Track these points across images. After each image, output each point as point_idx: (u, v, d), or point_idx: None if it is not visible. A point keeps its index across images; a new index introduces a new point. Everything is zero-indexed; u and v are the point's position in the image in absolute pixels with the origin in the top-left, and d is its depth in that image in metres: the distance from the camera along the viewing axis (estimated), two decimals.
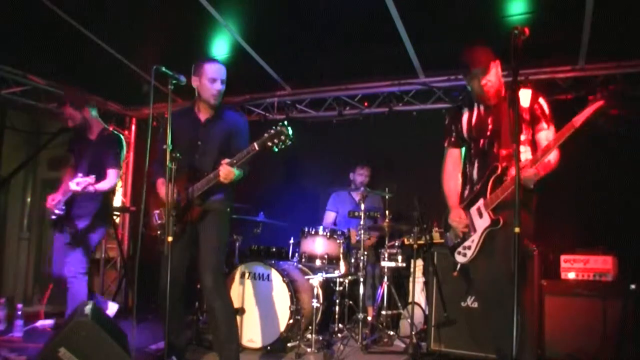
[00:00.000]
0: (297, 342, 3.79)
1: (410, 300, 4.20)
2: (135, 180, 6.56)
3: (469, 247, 2.62)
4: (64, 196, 3.60)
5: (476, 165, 2.72)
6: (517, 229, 2.08)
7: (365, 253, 4.31)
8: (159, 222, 3.14)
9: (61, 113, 3.91)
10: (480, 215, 2.59)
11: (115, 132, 3.99)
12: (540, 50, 3.87)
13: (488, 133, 2.66)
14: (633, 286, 3.48)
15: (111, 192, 3.93)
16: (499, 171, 2.54)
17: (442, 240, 4.44)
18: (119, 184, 6.58)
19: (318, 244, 4.35)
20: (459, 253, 2.68)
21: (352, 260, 4.44)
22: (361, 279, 4.25)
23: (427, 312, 4.16)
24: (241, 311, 3.92)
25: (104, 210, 3.85)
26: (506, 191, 2.48)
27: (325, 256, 4.30)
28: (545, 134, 2.56)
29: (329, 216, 5.30)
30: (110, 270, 6.29)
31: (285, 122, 2.84)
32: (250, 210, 4.65)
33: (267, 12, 4.22)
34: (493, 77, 2.58)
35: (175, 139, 2.73)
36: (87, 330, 2.61)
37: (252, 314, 3.92)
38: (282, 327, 3.82)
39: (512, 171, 2.52)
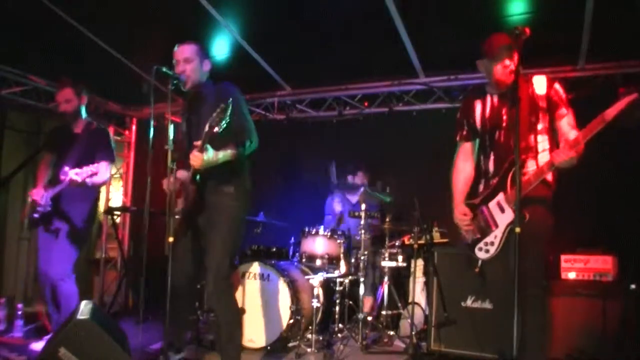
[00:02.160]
0: (297, 342, 3.79)
1: (410, 300, 4.20)
2: (136, 180, 6.55)
3: (492, 243, 2.55)
4: (51, 191, 3.41)
5: (492, 158, 2.64)
6: (517, 229, 2.07)
7: (366, 253, 4.32)
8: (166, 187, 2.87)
9: (59, 95, 3.69)
10: (502, 210, 2.52)
11: (102, 125, 3.83)
12: (540, 50, 3.86)
13: (504, 124, 2.59)
14: (633, 286, 3.48)
15: (99, 191, 3.79)
16: None
17: (443, 240, 4.45)
18: (120, 183, 6.58)
19: (318, 244, 4.35)
20: (481, 249, 2.61)
21: (352, 260, 4.44)
22: (361, 279, 4.25)
23: (427, 312, 4.16)
24: (241, 311, 3.92)
25: (95, 209, 3.77)
26: (530, 186, 2.41)
27: (326, 256, 4.30)
28: (567, 120, 2.50)
29: (327, 220, 5.23)
30: (111, 270, 6.29)
31: (230, 100, 2.64)
32: (250, 210, 4.64)
33: (267, 12, 4.21)
34: (515, 64, 2.51)
35: (175, 138, 2.73)
36: (87, 330, 2.61)
37: (252, 314, 3.92)
38: (283, 327, 3.82)
39: (530, 164, 2.49)
